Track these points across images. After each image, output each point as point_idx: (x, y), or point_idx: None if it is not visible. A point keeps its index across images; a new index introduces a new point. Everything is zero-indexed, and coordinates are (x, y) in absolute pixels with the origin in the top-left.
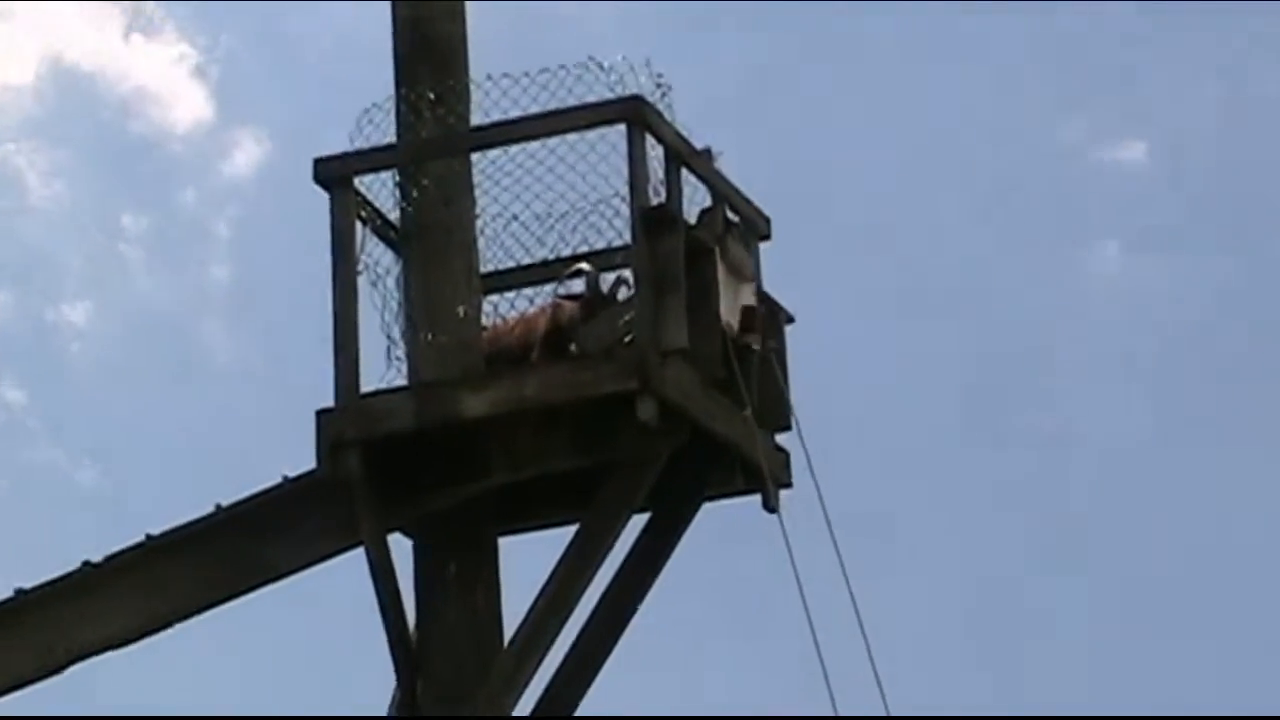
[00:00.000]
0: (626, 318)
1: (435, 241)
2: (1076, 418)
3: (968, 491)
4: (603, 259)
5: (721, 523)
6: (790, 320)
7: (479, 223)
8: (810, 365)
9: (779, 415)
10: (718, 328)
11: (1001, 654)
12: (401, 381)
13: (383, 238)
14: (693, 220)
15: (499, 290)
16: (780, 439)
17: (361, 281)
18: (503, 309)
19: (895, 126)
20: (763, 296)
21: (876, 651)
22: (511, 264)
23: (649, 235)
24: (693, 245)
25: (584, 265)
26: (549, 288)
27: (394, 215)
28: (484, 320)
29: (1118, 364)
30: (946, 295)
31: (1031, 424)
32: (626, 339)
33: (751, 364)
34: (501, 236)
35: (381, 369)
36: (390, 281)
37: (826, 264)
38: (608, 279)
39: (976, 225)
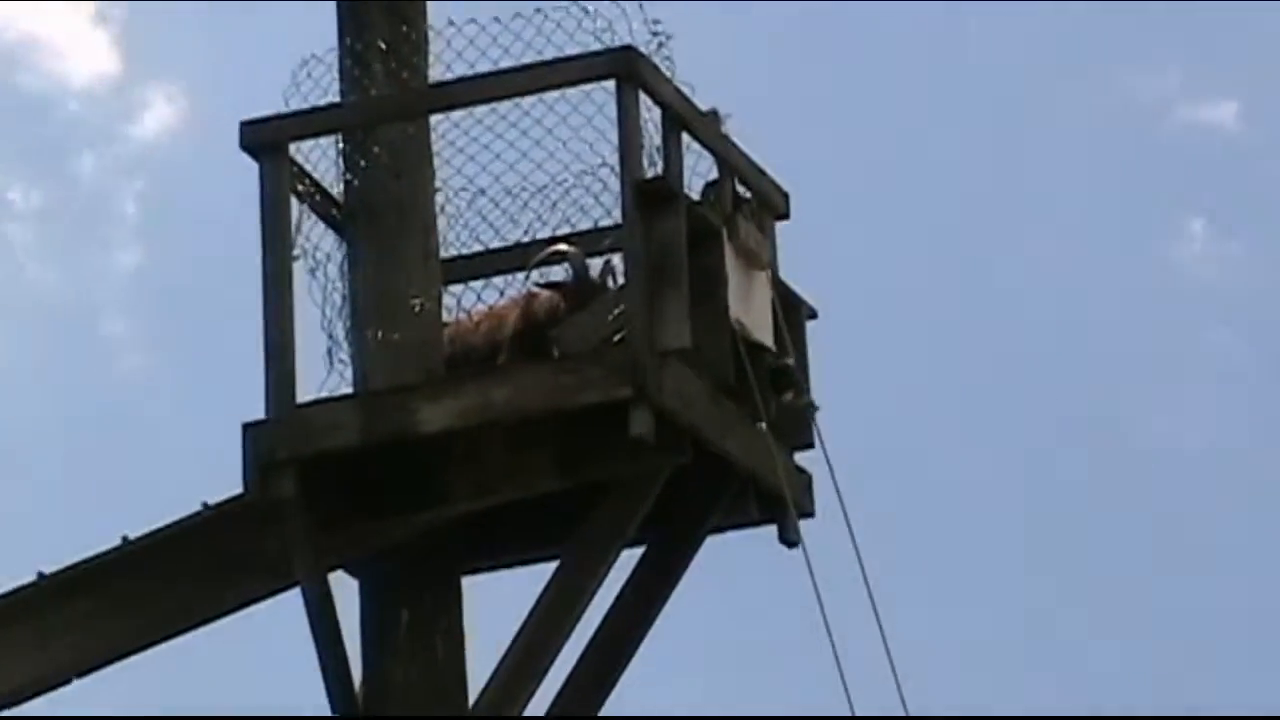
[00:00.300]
0: (616, 311)
1: (387, 221)
2: (1167, 426)
3: (1022, 517)
4: (588, 241)
5: (729, 556)
6: (812, 315)
7: (439, 198)
8: (836, 368)
9: (800, 428)
10: (726, 323)
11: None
12: (346, 389)
13: (323, 217)
14: (696, 195)
15: (464, 279)
16: (801, 457)
17: (298, 269)
18: (468, 301)
19: (934, 81)
20: (779, 287)
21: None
22: (479, 247)
23: (644, 213)
24: (696, 225)
25: (565, 247)
26: (523, 275)
27: (337, 190)
28: (445, 315)
29: (1205, 362)
30: (998, 283)
31: (1106, 432)
32: (616, 337)
33: (767, 366)
34: (466, 215)
35: (322, 374)
36: (332, 269)
37: (854, 247)
38: (594, 265)
39: (1035, 200)
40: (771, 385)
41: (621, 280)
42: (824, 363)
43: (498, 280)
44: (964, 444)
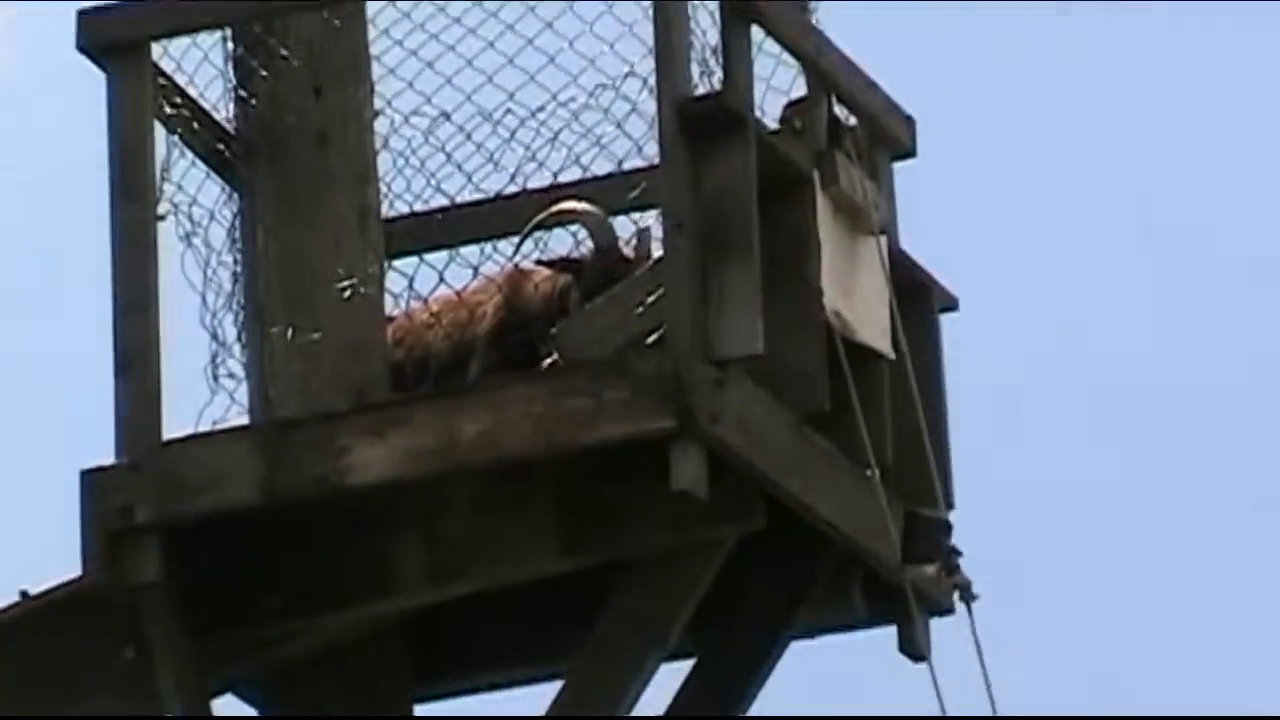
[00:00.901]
0: (649, 300)
1: (300, 162)
2: None
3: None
4: (609, 194)
5: (819, 670)
6: (949, 307)
7: (381, 126)
8: (978, 382)
9: (930, 478)
10: (818, 316)
11: None
12: (240, 418)
13: (205, 155)
14: (773, 123)
15: (418, 249)
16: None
17: (165, 234)
18: (425, 284)
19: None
20: (900, 261)
21: None
22: (441, 202)
23: (692, 148)
24: (773, 167)
25: (575, 204)
26: (507, 245)
27: (226, 115)
28: (391, 305)
29: None
30: (1207, 257)
31: None
32: (650, 338)
33: (881, 382)
34: (422, 152)
35: (203, 395)
36: (218, 235)
37: (1008, 202)
38: (618, 230)
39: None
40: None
41: (659, 253)
42: (964, 375)
43: (470, 251)
44: (1153, 516)
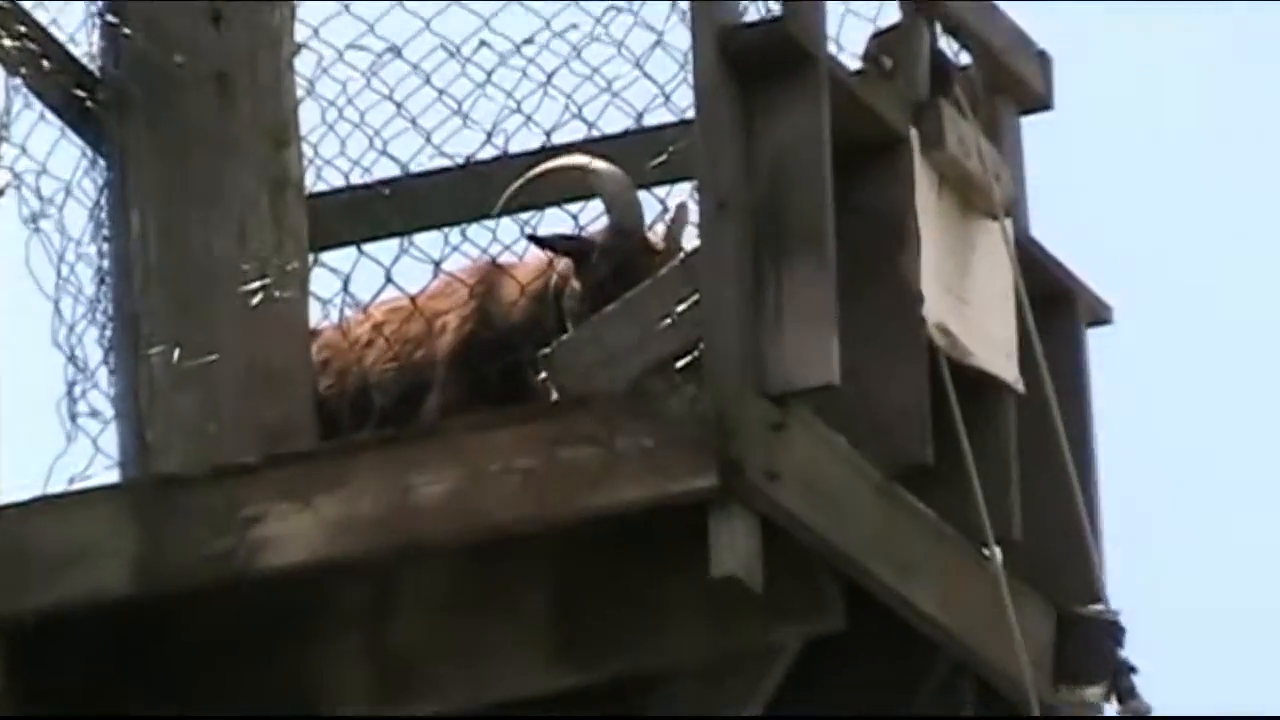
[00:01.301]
0: (680, 307)
1: (192, 116)
2: None
3: None
4: (620, 161)
5: None
6: (1101, 320)
7: (303, 67)
8: (1142, 418)
9: (1082, 559)
10: (918, 334)
11: None
12: (108, 473)
13: (59, 106)
14: (854, 62)
15: (353, 238)
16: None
17: (5, 213)
18: (363, 285)
19: None
20: (1034, 258)
21: None
22: (390, 172)
23: (741, 98)
24: (854, 123)
25: (584, 159)
26: (479, 231)
27: (88, 53)
28: (315, 314)
29: None
30: None
31: None
32: (681, 363)
33: (1005, 424)
34: (361, 102)
35: (56, 440)
36: (76, 216)
37: (1182, 176)
38: (640, 205)
39: None
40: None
41: (696, 239)
42: (1118, 411)
43: (428, 240)
44: None
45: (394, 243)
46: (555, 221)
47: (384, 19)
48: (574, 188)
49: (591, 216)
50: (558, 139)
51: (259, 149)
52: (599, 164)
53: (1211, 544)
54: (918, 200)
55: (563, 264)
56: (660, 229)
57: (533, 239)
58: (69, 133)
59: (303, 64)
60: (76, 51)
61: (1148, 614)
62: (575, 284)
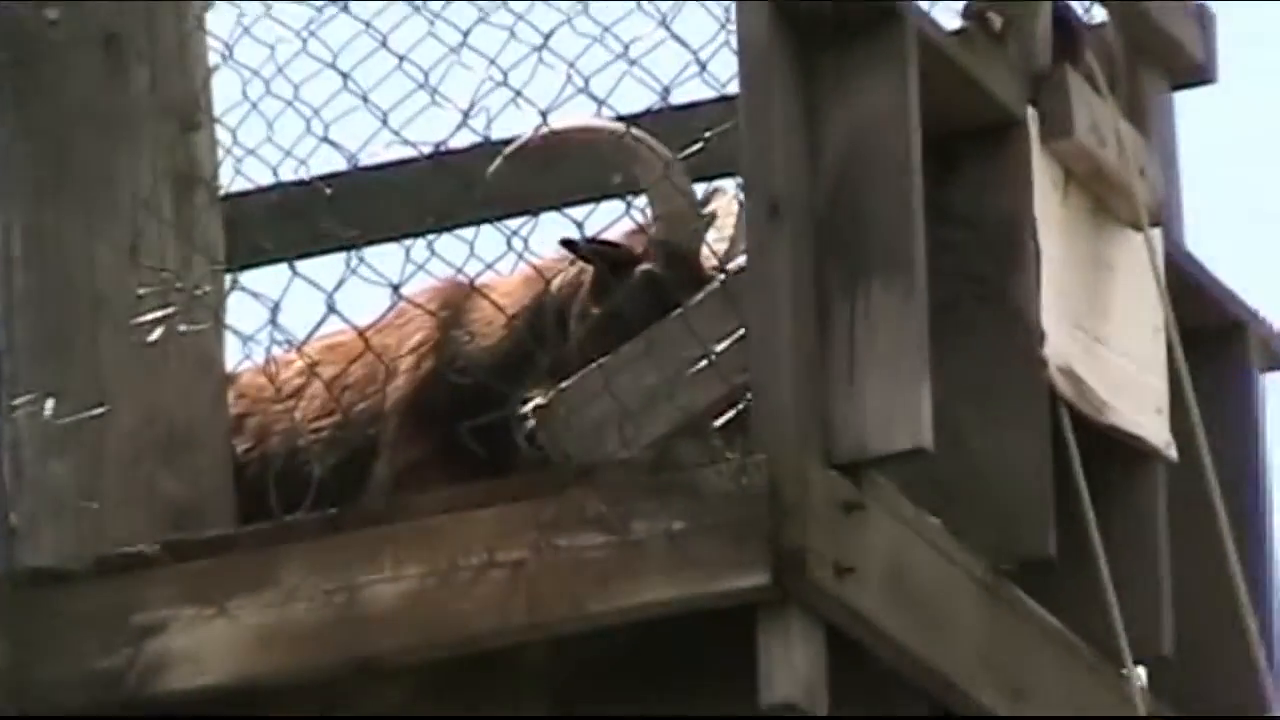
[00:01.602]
0: (719, 345)
1: (72, 90)
2: None
3: None
4: (667, 131)
5: None
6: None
7: (217, 27)
8: None
9: (1253, 679)
10: (1037, 381)
11: None
12: None
13: None
14: (953, 20)
15: (281, 253)
16: None
17: None
18: (295, 316)
19: None
20: (1193, 280)
21: None
22: (334, 166)
23: (801, 67)
24: (954, 101)
25: (599, 121)
26: (452, 240)
27: None
28: (232, 354)
29: None
30: None
31: None
32: (721, 420)
33: (1151, 501)
34: (294, 73)
35: None
36: None
37: None
38: (697, 216)
39: None
40: None
41: (744, 251)
42: None
43: (380, 254)
44: None
45: (338, 258)
46: (556, 227)
47: None
48: (594, 170)
49: (610, 218)
50: (556, 121)
51: (160, 133)
52: (642, 141)
53: None
54: (1036, 205)
55: (569, 274)
56: (716, 240)
57: (566, 244)
58: None
59: (217, 22)
60: None
61: None
62: (591, 307)
